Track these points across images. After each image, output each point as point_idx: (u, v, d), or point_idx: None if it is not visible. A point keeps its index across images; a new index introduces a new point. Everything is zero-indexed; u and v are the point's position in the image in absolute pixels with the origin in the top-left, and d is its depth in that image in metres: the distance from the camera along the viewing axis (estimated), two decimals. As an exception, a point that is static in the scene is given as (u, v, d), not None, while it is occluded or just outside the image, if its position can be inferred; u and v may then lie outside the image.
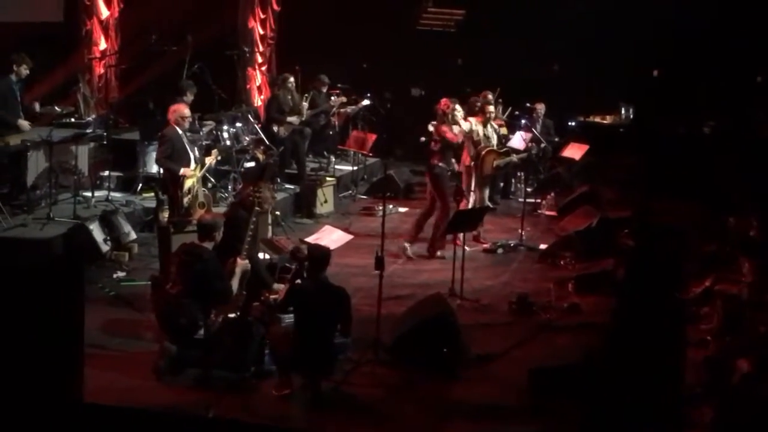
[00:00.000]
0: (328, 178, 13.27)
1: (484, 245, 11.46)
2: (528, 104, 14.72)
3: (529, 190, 13.61)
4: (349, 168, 14.82)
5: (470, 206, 11.09)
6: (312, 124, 13.86)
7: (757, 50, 15.36)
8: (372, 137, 14.38)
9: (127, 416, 5.30)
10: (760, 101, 15.50)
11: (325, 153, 14.70)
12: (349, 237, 9.28)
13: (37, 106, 11.23)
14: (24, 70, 10.70)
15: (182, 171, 9.58)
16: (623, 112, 16.56)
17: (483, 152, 11.28)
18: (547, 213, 13.40)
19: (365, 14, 16.47)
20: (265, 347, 7.35)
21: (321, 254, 7.34)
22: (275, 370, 7.20)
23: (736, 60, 15.53)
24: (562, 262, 10.85)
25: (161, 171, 10.09)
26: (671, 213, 12.26)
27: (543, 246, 11.45)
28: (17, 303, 5.11)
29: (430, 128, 11.19)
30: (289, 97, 13.51)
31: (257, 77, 16.58)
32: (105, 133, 11.85)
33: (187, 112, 9.92)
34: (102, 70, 13.83)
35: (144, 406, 6.45)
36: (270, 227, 10.48)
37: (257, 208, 7.99)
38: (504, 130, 12.60)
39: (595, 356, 7.41)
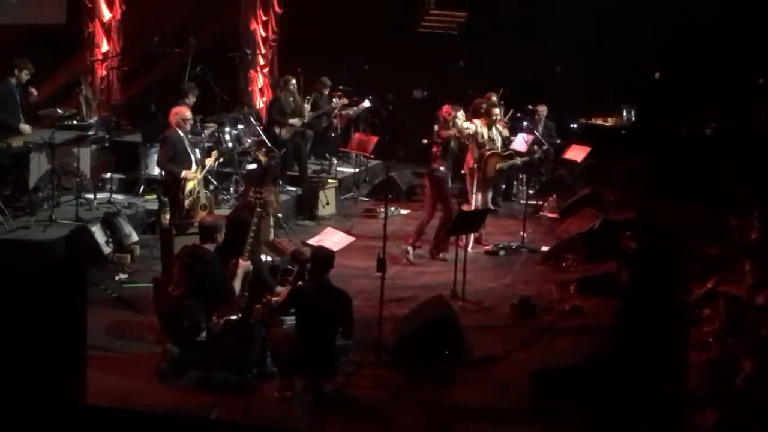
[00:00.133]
0: (329, 180, 13.27)
1: (486, 247, 11.46)
2: (530, 106, 14.73)
3: (531, 192, 13.63)
4: (351, 170, 14.83)
5: (473, 208, 11.10)
6: (314, 126, 13.86)
7: (758, 51, 15.35)
8: (374, 139, 14.39)
9: (129, 418, 5.29)
10: (762, 102, 15.49)
11: (327, 155, 14.71)
12: (351, 239, 9.28)
13: (33, 92, 11.08)
14: (25, 76, 10.70)
15: (183, 173, 9.58)
16: (625, 113, 16.56)
17: (486, 155, 11.28)
18: (549, 215, 13.40)
19: (367, 16, 16.47)
20: (267, 349, 7.35)
21: (324, 256, 7.34)
22: (277, 372, 7.20)
23: (737, 61, 15.52)
24: (564, 265, 10.84)
25: (163, 173, 10.09)
26: (673, 215, 12.26)
27: (545, 248, 11.45)
28: (19, 305, 5.11)
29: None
30: (291, 99, 13.51)
31: (259, 79, 16.60)
32: (107, 135, 11.87)
33: (188, 114, 9.92)
34: (104, 72, 13.85)
35: (146, 408, 6.46)
36: (272, 229, 10.51)
37: (258, 209, 7.98)
38: (506, 132, 12.61)
39: (598, 358, 7.40)
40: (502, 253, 11.37)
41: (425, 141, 12.12)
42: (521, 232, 11.71)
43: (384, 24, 16.76)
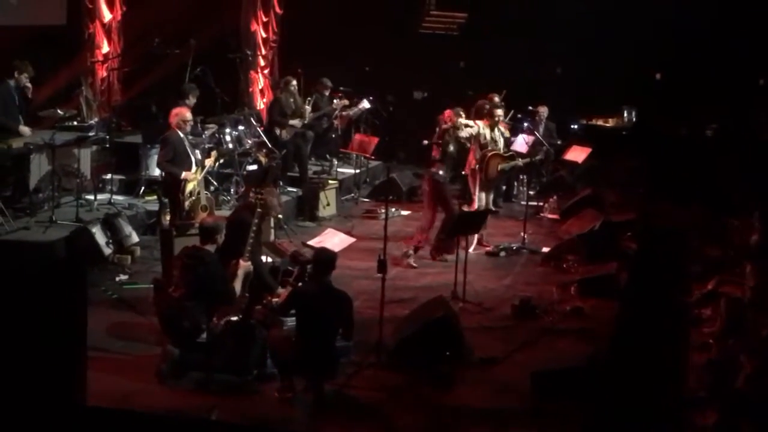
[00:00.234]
0: (330, 181, 13.27)
1: (487, 248, 11.46)
2: (530, 107, 14.74)
3: (531, 193, 13.65)
4: (352, 171, 14.83)
5: (477, 209, 11.13)
6: (314, 127, 13.86)
7: (759, 52, 15.35)
8: (374, 140, 14.39)
9: (129, 419, 5.29)
10: (762, 103, 15.49)
11: (328, 156, 14.71)
12: (352, 240, 9.27)
13: (26, 79, 10.99)
14: (24, 79, 10.68)
15: (183, 175, 9.57)
16: (625, 114, 16.57)
17: (488, 156, 11.29)
18: (550, 216, 13.41)
19: (368, 17, 16.48)
20: (267, 350, 7.34)
21: (326, 258, 7.33)
22: (277, 373, 7.20)
23: (738, 62, 15.53)
24: (564, 266, 10.84)
25: (163, 174, 10.10)
26: (674, 216, 12.25)
27: (546, 249, 11.45)
28: (20, 306, 5.10)
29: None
30: (292, 100, 13.52)
31: (260, 80, 16.60)
32: (107, 136, 11.87)
33: (189, 115, 9.92)
34: (105, 73, 13.85)
35: (146, 410, 6.46)
36: (272, 230, 10.50)
37: (259, 210, 7.98)
38: (507, 133, 12.62)
39: (598, 359, 7.40)
40: (502, 254, 11.38)
41: (426, 142, 12.13)
42: (522, 233, 11.71)
43: (384, 25, 16.77)
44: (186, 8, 13.93)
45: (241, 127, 12.60)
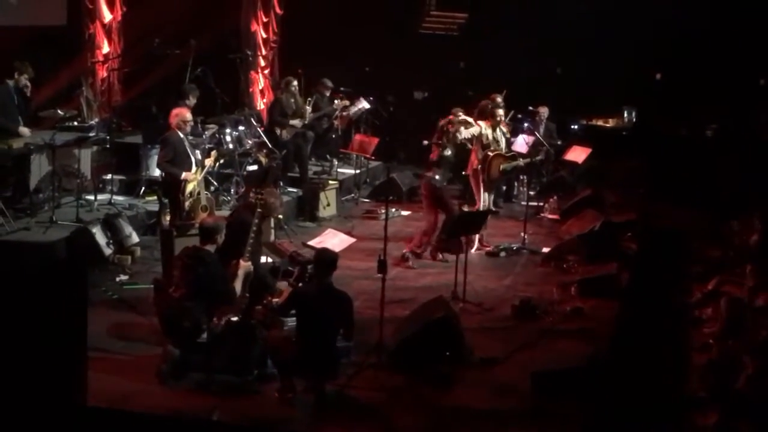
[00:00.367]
0: (330, 182, 13.27)
1: (487, 248, 11.46)
2: (531, 107, 14.73)
3: (531, 193, 13.64)
4: (352, 171, 14.83)
5: (481, 209, 11.14)
6: (315, 127, 13.86)
7: (759, 53, 15.35)
8: (375, 140, 14.39)
9: (129, 420, 5.29)
10: (763, 104, 15.49)
11: (328, 156, 14.71)
12: (352, 240, 9.27)
13: (25, 80, 10.92)
14: (24, 80, 10.68)
15: (183, 175, 9.58)
16: (626, 115, 16.56)
17: (490, 156, 11.30)
18: (550, 216, 13.40)
19: (368, 17, 16.47)
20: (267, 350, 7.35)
21: (328, 258, 7.32)
22: (277, 373, 7.20)
23: (738, 62, 15.52)
24: (565, 266, 10.84)
25: (163, 174, 10.10)
26: (674, 216, 12.26)
27: (546, 249, 11.45)
28: (20, 306, 5.10)
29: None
30: (292, 100, 13.52)
31: (260, 80, 16.61)
32: (108, 137, 11.87)
33: (189, 116, 9.92)
34: (105, 74, 13.86)
35: (147, 410, 6.46)
36: (273, 230, 10.50)
37: (259, 210, 7.98)
38: (508, 133, 12.60)
39: (598, 359, 7.40)
40: (502, 254, 11.37)
41: (425, 142, 12.13)
42: (522, 234, 11.71)
43: (385, 25, 16.77)
44: (186, 8, 13.94)
45: (241, 128, 12.60)
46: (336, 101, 14.31)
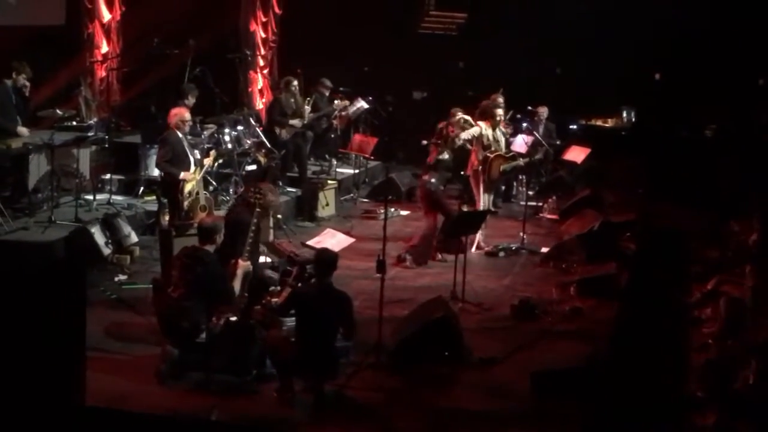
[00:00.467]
0: (329, 181, 13.27)
1: (486, 248, 11.45)
2: (530, 107, 14.73)
3: (531, 193, 13.62)
4: (351, 171, 14.83)
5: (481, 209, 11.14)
6: (314, 127, 13.87)
7: (759, 53, 15.35)
8: (374, 140, 14.40)
9: (128, 420, 5.28)
10: (762, 104, 15.49)
11: (327, 156, 14.71)
12: (351, 240, 9.26)
13: (24, 80, 10.89)
14: (22, 79, 10.68)
15: (182, 175, 9.57)
16: (625, 115, 16.56)
17: (490, 157, 11.29)
18: (549, 216, 13.40)
19: (367, 17, 16.47)
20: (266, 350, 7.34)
21: (328, 258, 7.31)
22: (276, 373, 7.19)
23: (738, 62, 15.52)
24: (564, 266, 10.83)
25: (162, 174, 10.10)
26: (673, 216, 12.25)
27: (545, 249, 11.44)
28: (19, 306, 5.10)
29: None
30: (292, 100, 13.52)
31: (259, 80, 16.60)
32: (107, 137, 11.86)
33: (187, 115, 9.92)
34: (104, 74, 13.83)
35: (145, 410, 6.44)
36: (271, 230, 10.49)
37: (258, 210, 7.97)
38: (508, 134, 12.60)
39: (598, 359, 7.40)
40: (501, 254, 11.37)
41: (425, 142, 12.12)
42: (521, 234, 11.70)
43: (384, 25, 16.77)
44: (185, 8, 13.91)
45: (240, 127, 12.59)
46: (335, 101, 14.31)
